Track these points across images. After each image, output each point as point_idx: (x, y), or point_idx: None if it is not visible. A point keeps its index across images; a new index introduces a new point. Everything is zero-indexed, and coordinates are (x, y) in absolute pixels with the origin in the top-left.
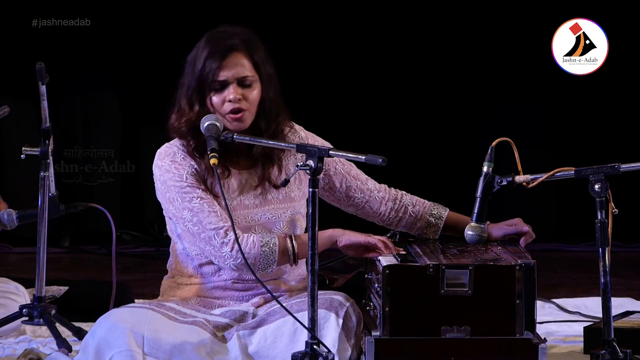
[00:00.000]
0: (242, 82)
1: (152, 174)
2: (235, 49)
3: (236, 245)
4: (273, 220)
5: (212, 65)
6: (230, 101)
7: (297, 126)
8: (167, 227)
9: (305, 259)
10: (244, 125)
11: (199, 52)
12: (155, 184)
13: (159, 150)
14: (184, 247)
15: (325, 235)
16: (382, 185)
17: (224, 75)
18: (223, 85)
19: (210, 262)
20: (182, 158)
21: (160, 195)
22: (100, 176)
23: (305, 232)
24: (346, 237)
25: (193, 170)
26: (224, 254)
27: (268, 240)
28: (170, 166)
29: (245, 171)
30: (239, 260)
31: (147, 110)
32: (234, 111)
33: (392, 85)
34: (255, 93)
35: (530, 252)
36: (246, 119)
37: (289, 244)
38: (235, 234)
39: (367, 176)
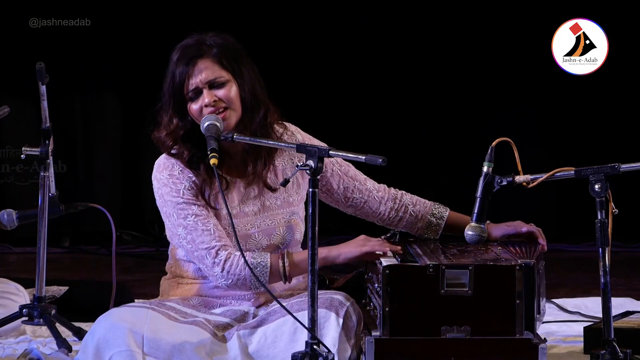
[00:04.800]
0: (214, 84)
1: (152, 174)
2: (200, 56)
3: (226, 266)
4: (272, 226)
5: (182, 77)
6: (206, 106)
7: (292, 127)
8: (167, 232)
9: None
10: (230, 122)
11: (170, 66)
12: (155, 195)
13: (157, 161)
14: (185, 254)
15: (320, 257)
16: (382, 185)
17: (193, 83)
18: (197, 93)
19: None
20: (180, 171)
21: (158, 207)
22: (32, 176)
23: (306, 234)
24: (342, 256)
25: (191, 183)
26: (215, 274)
27: (259, 262)
28: (167, 180)
29: (242, 179)
30: (230, 280)
31: (147, 110)
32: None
33: (392, 85)
34: (232, 91)
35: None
36: (230, 116)
37: (280, 265)
38: (240, 248)
39: (365, 176)
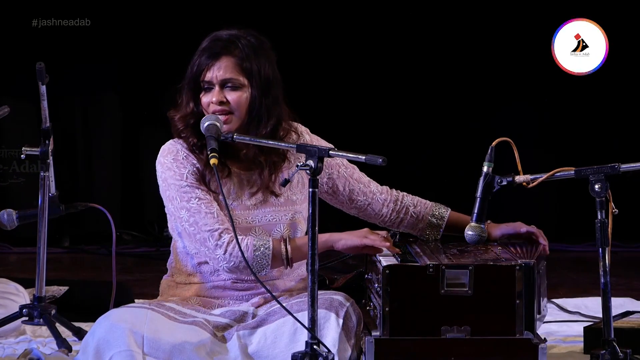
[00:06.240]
0: (226, 85)
1: (153, 174)
2: (225, 52)
3: (229, 248)
4: (274, 222)
5: (201, 66)
6: (213, 103)
7: (302, 128)
8: (169, 225)
9: (303, 260)
10: (231, 128)
11: (197, 50)
12: (158, 181)
13: (162, 146)
14: (184, 246)
15: (322, 241)
16: (384, 187)
17: (208, 77)
18: (210, 87)
19: None
20: (184, 157)
21: (161, 192)
22: (11, 176)
23: (306, 234)
24: (342, 242)
25: (194, 169)
26: (217, 256)
27: (261, 244)
28: (172, 164)
29: (245, 172)
30: (232, 263)
31: (147, 110)
32: (217, 113)
33: (393, 86)
34: (242, 97)
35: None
36: (231, 121)
37: (283, 249)
38: (236, 235)
39: (369, 178)
